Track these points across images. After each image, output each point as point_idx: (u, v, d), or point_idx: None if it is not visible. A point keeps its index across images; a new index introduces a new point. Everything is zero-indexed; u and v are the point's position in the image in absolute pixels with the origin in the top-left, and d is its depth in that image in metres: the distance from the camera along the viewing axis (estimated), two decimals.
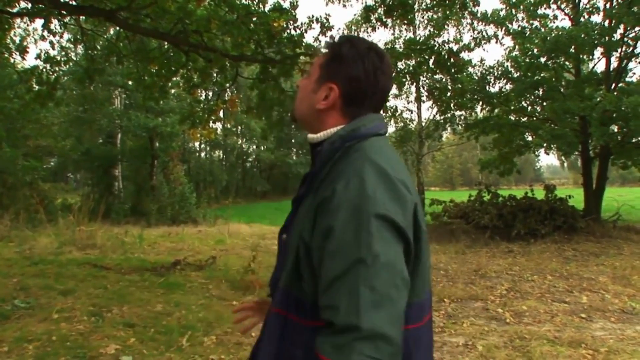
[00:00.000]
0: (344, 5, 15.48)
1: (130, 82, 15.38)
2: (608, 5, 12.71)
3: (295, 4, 8.82)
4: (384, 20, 9.67)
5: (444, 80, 12.79)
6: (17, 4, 7.94)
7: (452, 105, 13.61)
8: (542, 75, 13.54)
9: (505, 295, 6.59)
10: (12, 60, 13.10)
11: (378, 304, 0.99)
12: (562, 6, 13.88)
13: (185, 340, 4.62)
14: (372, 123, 1.25)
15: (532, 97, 14.08)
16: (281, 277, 1.23)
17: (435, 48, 9.51)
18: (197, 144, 40.12)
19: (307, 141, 1.32)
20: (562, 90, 13.28)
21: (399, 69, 9.94)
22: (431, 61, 9.41)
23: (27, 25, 15.38)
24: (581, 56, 13.31)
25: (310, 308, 1.13)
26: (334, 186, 1.11)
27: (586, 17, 13.26)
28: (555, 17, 13.88)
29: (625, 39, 12.51)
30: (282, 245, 1.29)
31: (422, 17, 16.10)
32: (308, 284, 1.14)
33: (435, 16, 15.32)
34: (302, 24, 8.85)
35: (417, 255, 1.15)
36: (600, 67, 14.53)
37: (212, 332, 4.89)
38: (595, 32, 11.94)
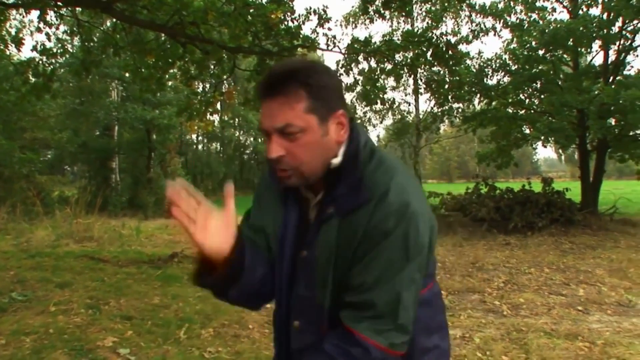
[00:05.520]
0: None
1: (127, 74, 15.31)
2: None
3: None
4: (382, 12, 9.64)
5: (441, 72, 12.75)
6: None
7: (449, 97, 13.58)
8: (540, 68, 13.49)
9: (503, 288, 6.60)
10: (7, 52, 13.03)
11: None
12: None
13: (183, 332, 4.62)
14: (362, 131, 1.27)
15: (530, 90, 14.05)
16: (321, 297, 1.23)
17: (433, 40, 9.46)
18: (194, 136, 40.04)
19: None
20: (560, 83, 13.26)
21: (397, 61, 9.90)
22: (429, 53, 9.37)
23: (23, 17, 15.24)
24: (579, 49, 13.28)
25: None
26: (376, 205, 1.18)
27: (584, 9, 13.21)
28: (554, 9, 13.84)
29: (624, 32, 12.47)
30: (303, 262, 1.26)
31: (420, 9, 16.02)
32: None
33: (433, 8, 15.25)
34: (299, 15, 8.84)
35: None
36: (598, 60, 14.42)
37: (209, 324, 4.89)
38: (594, 25, 11.90)
